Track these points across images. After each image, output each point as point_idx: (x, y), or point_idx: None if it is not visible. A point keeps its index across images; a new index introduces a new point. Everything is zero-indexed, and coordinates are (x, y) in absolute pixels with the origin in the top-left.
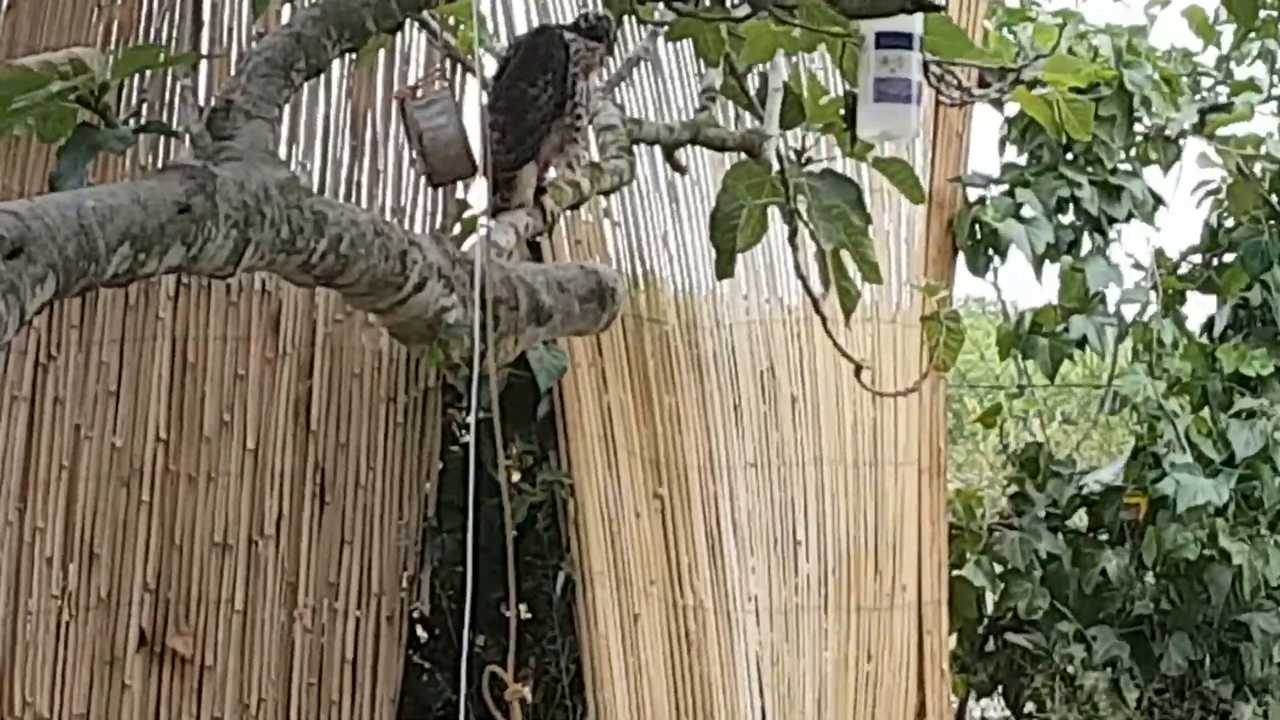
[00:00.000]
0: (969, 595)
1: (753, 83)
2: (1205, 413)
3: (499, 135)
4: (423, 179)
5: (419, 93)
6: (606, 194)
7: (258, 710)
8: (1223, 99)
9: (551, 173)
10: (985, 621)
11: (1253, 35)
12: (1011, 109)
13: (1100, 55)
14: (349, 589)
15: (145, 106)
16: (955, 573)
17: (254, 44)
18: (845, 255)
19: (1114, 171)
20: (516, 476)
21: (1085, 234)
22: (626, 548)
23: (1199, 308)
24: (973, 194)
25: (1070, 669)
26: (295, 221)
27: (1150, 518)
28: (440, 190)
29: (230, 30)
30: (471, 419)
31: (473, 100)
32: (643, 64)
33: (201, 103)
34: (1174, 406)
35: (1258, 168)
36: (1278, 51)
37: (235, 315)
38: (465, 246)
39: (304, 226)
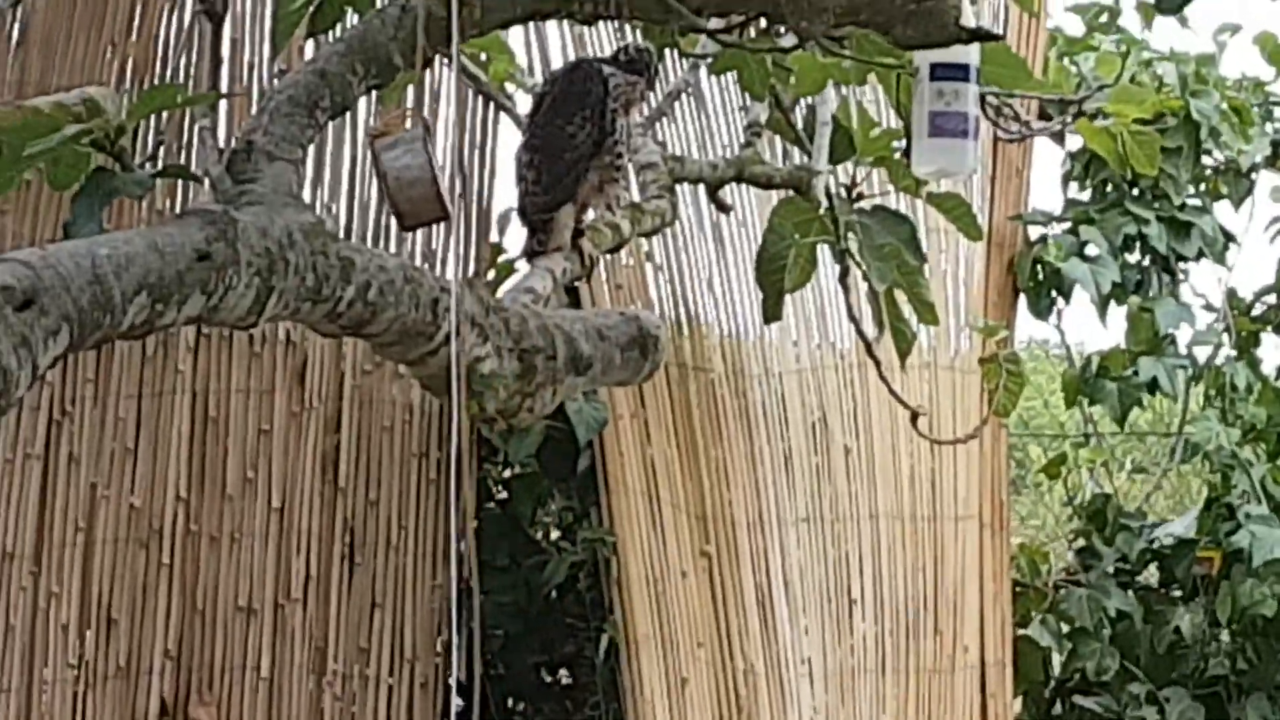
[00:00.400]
0: (1034, 656)
1: (800, 116)
2: None
3: (535, 175)
4: (464, 220)
5: (390, 132)
6: (648, 236)
7: None
8: None
9: (590, 214)
10: (1052, 684)
11: None
12: (1074, 143)
13: (1165, 84)
14: (381, 654)
15: (163, 149)
16: (1020, 632)
17: (275, 82)
18: (899, 296)
19: (1182, 207)
20: (556, 534)
21: (1153, 273)
22: (673, 608)
23: (1274, 350)
24: (1034, 232)
25: None
26: (321, 268)
27: (1225, 572)
28: (475, 235)
29: (250, 67)
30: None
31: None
32: (685, 98)
33: (221, 144)
34: (1248, 455)
35: None
36: None
37: (259, 367)
38: (500, 293)
39: (330, 273)
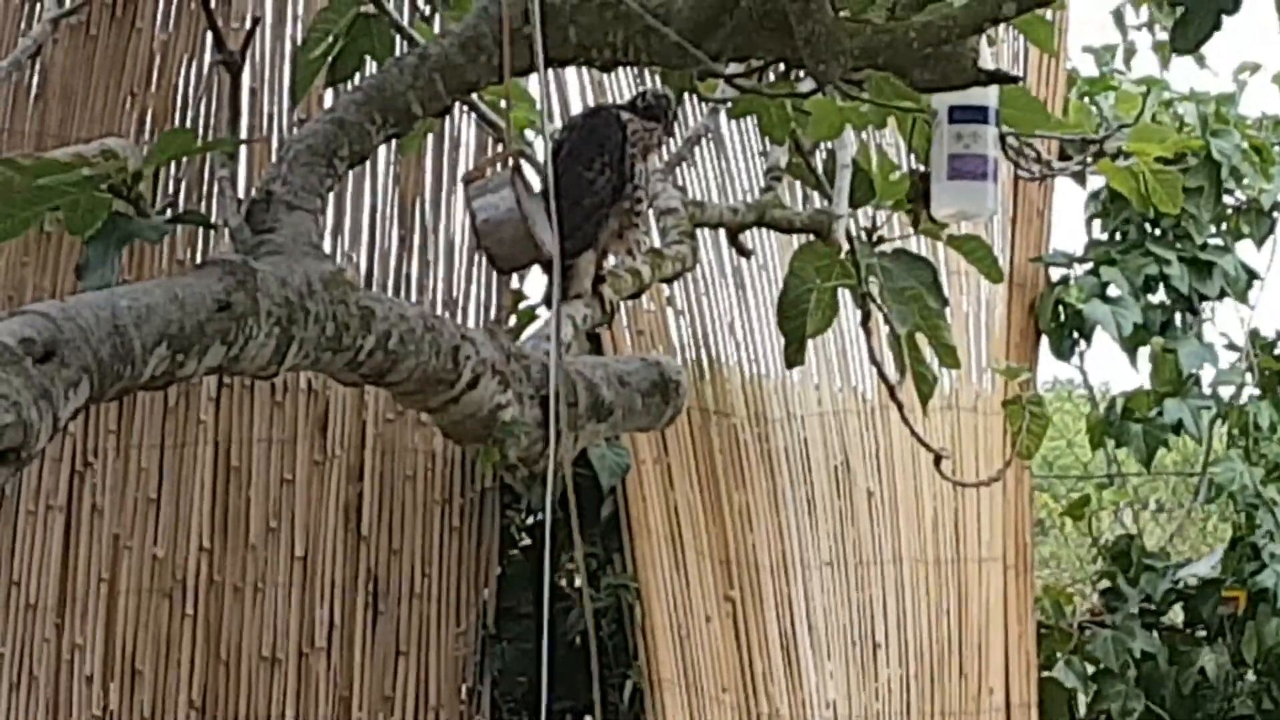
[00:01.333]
0: (1060, 698)
1: (820, 160)
2: None
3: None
4: (485, 267)
5: (485, 173)
6: (669, 281)
7: None
8: None
9: (610, 260)
10: None
11: None
12: (1095, 183)
13: (1186, 124)
14: (405, 703)
15: (182, 198)
16: (1045, 674)
17: (294, 131)
18: (921, 339)
19: (1204, 247)
20: (579, 581)
21: (1176, 313)
22: (697, 653)
23: None
24: (1055, 274)
25: None
26: (341, 317)
27: (1250, 612)
28: (495, 281)
29: (270, 117)
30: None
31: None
32: (705, 143)
33: (241, 194)
34: (1273, 494)
35: None
36: None
37: (280, 416)
38: (522, 340)
39: (350, 323)
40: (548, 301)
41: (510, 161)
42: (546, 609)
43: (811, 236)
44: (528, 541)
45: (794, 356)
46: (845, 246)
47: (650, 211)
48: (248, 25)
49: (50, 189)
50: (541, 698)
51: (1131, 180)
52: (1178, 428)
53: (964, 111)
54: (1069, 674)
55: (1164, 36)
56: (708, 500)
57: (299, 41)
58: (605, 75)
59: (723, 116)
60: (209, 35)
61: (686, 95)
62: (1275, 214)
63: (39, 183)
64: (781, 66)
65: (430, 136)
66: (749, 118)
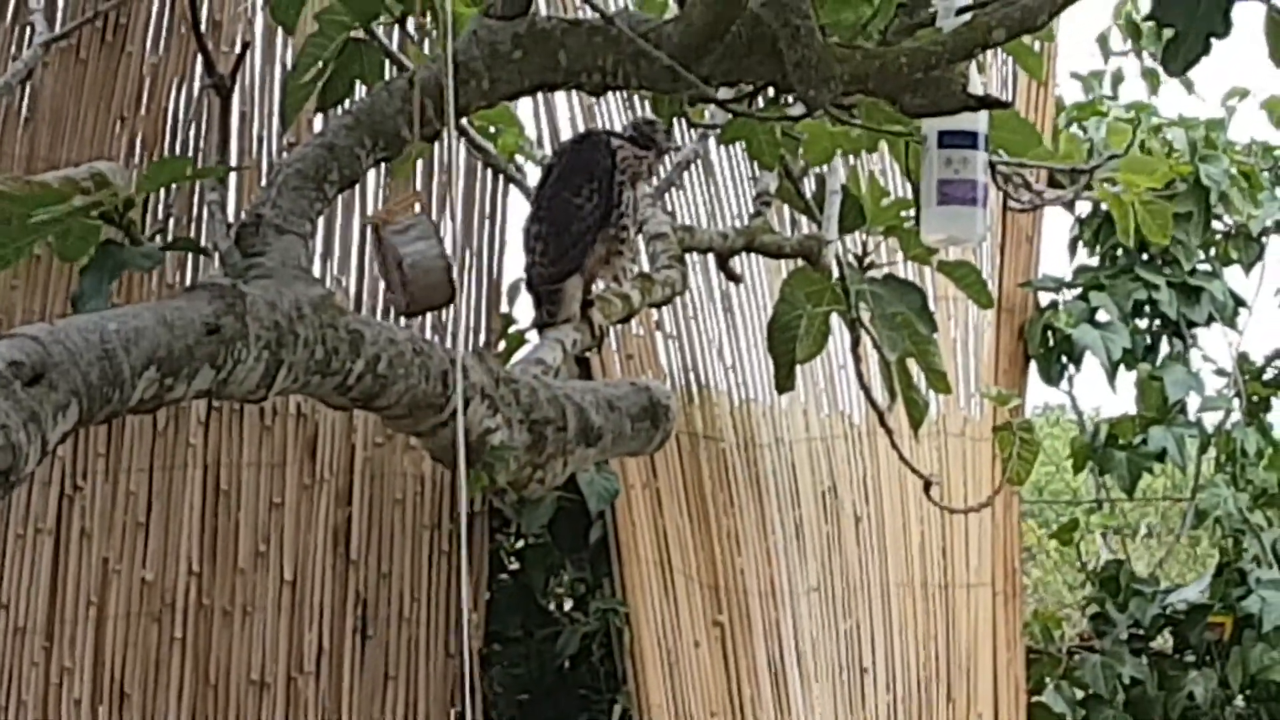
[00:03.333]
0: None
1: (809, 185)
2: None
3: (543, 247)
4: (475, 291)
5: (395, 217)
6: (658, 306)
7: None
8: None
9: (599, 285)
10: None
11: None
12: (1083, 208)
13: (1175, 150)
14: None
15: (172, 222)
16: (1034, 699)
17: (284, 155)
18: (911, 365)
19: (1193, 272)
20: (569, 605)
21: (1163, 339)
22: (685, 678)
23: None
24: (1044, 299)
25: None
26: (330, 341)
27: (1236, 637)
28: (484, 306)
29: (260, 141)
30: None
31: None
32: (694, 168)
33: (230, 217)
34: (1260, 520)
35: None
36: None
37: (270, 440)
38: (510, 365)
39: (339, 347)
40: (537, 326)
41: (418, 206)
42: (466, 618)
43: (801, 262)
44: (517, 565)
45: (783, 382)
46: (835, 272)
47: (640, 236)
48: (238, 50)
49: (45, 221)
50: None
51: (1122, 209)
52: (1162, 455)
53: (953, 136)
54: (1058, 699)
55: (1151, 62)
56: (696, 525)
57: (289, 66)
58: (596, 100)
59: (712, 141)
60: (199, 59)
61: (676, 120)
62: (1264, 240)
63: (33, 220)
64: (771, 91)
65: (420, 162)
66: (739, 143)
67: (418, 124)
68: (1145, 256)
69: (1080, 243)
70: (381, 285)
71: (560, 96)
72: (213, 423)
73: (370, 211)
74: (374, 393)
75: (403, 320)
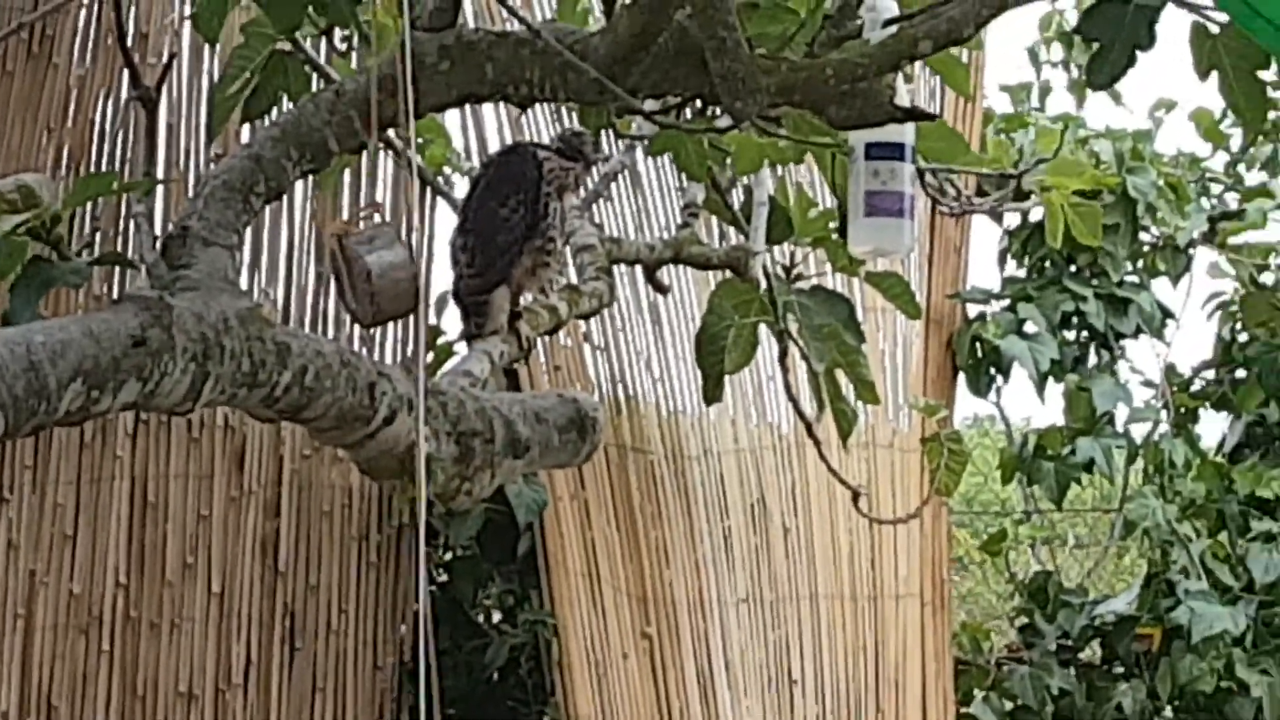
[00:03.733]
0: None
1: (737, 197)
2: (1222, 537)
3: (469, 258)
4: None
5: (355, 227)
6: (585, 317)
7: None
8: (1233, 206)
9: (527, 297)
10: None
11: (1262, 139)
12: (1011, 220)
13: (1102, 161)
14: None
15: (99, 235)
16: (963, 711)
17: (211, 167)
18: (839, 376)
19: (1120, 284)
20: (497, 617)
21: (1091, 350)
22: (614, 690)
23: (1213, 426)
24: (972, 310)
25: None
26: (257, 354)
27: (1165, 648)
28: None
29: (186, 153)
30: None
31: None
32: (622, 179)
33: (157, 229)
34: (1188, 531)
35: (1270, 278)
36: None
37: (197, 452)
38: (438, 376)
39: (266, 359)
40: (465, 338)
41: (376, 215)
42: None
43: (729, 273)
44: (445, 577)
45: (712, 393)
46: (763, 283)
47: (567, 248)
48: (164, 61)
49: None
50: None
51: (1052, 210)
52: (1089, 466)
53: (881, 148)
54: (987, 710)
55: (1080, 75)
56: (625, 537)
57: (215, 78)
58: (524, 113)
59: (640, 153)
60: (125, 71)
61: (604, 131)
62: (1190, 251)
63: None
64: (699, 103)
65: (347, 173)
66: (666, 154)
67: (377, 122)
68: (1073, 268)
69: (1009, 255)
70: (309, 297)
71: (489, 108)
72: (140, 435)
73: (311, 223)
74: (301, 405)
75: (331, 330)
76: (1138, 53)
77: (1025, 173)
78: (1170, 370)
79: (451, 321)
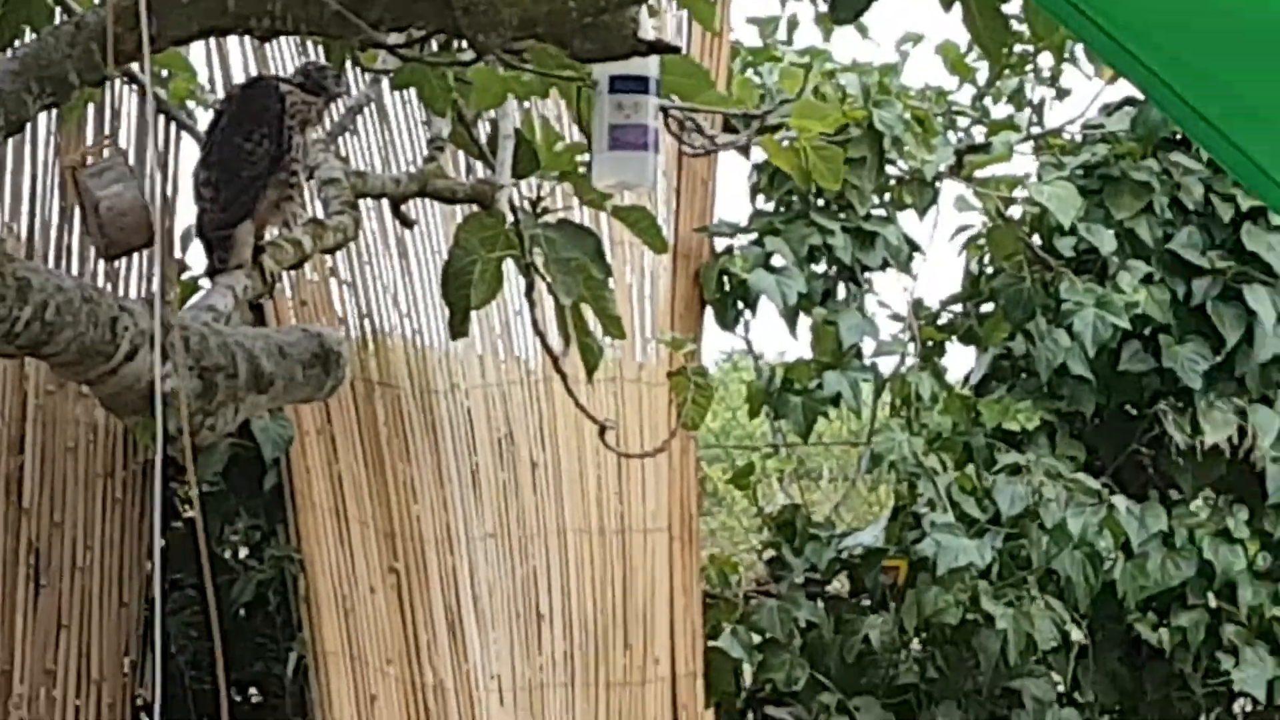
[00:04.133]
0: (725, 667)
1: (483, 130)
2: (969, 469)
3: (212, 193)
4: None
5: (89, 160)
6: (331, 251)
7: None
8: (980, 139)
9: (272, 231)
10: (743, 695)
11: (1008, 72)
12: (759, 155)
13: (849, 95)
14: (67, 676)
15: None
16: (711, 644)
17: None
18: (586, 310)
19: (867, 217)
20: (244, 552)
21: (839, 284)
22: (361, 626)
23: (960, 359)
24: (720, 244)
25: None
26: None
27: (911, 580)
28: (158, 254)
29: None
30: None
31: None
32: (367, 113)
33: None
34: (934, 464)
35: (1017, 211)
36: (1031, 89)
37: None
38: (182, 311)
39: (6, 294)
40: (209, 273)
41: (117, 148)
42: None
43: (475, 207)
44: (191, 513)
45: (458, 327)
46: (509, 217)
47: (312, 182)
48: None
49: None
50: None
51: (794, 157)
52: (836, 400)
53: (625, 82)
54: (734, 644)
55: (825, 8)
56: (372, 472)
57: None
58: (269, 45)
59: (385, 86)
60: None
61: (349, 65)
62: (937, 185)
63: None
64: (444, 36)
65: (90, 107)
66: (411, 88)
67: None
68: (820, 202)
69: (757, 189)
70: (53, 232)
71: (234, 42)
72: None
73: (55, 157)
74: (41, 340)
75: (75, 266)
76: None
77: (769, 113)
78: (917, 304)
79: (196, 256)
